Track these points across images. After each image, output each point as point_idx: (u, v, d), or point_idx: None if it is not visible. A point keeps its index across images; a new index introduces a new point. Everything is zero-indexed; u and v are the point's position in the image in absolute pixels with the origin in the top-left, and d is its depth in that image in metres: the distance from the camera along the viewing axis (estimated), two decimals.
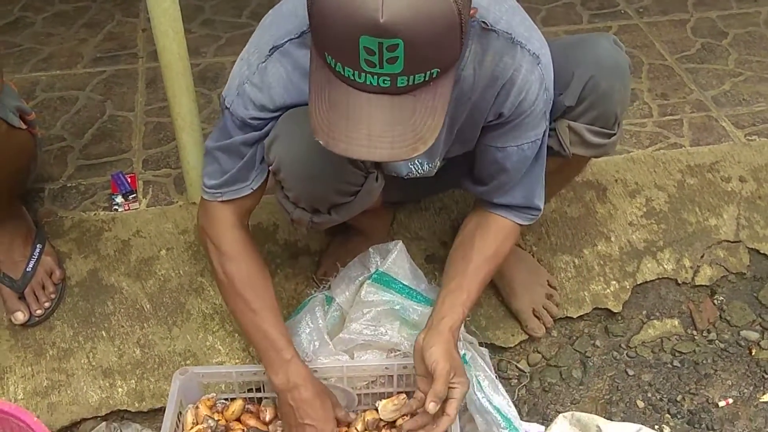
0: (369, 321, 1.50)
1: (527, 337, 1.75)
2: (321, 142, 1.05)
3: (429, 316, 1.38)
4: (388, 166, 1.38)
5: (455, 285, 1.39)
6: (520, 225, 1.46)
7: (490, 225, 1.44)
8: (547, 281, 1.78)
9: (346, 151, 1.04)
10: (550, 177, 1.47)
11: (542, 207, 1.45)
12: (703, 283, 1.83)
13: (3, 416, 1.29)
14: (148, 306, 1.73)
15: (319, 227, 1.42)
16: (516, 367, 1.73)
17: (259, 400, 1.52)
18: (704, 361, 1.72)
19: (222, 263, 1.38)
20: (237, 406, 1.47)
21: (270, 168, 1.30)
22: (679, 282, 1.83)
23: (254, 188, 1.33)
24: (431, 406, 1.27)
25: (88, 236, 1.81)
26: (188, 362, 1.65)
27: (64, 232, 1.82)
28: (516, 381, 1.71)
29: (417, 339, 1.34)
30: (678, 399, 1.66)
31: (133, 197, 1.88)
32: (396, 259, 1.54)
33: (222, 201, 1.35)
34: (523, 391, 1.69)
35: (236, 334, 1.70)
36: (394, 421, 1.49)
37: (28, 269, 1.66)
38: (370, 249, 1.58)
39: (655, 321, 1.79)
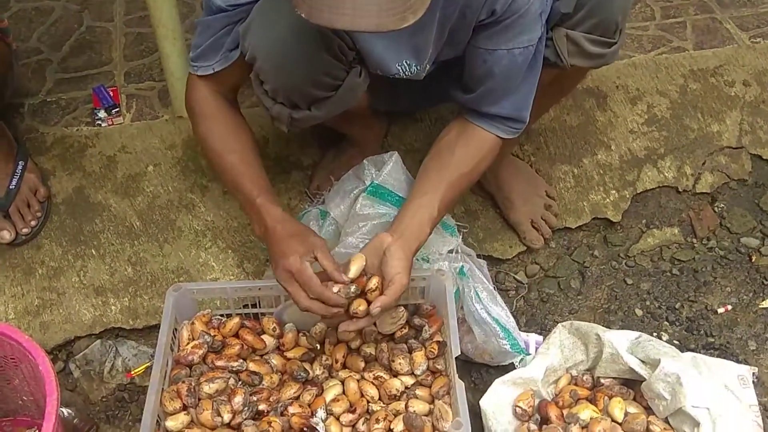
0: (365, 234, 1.46)
1: (525, 248, 1.73)
2: (303, 15, 0.98)
3: (395, 219, 1.32)
4: (372, 60, 1.30)
5: (427, 201, 1.32)
6: (502, 139, 1.40)
7: (471, 138, 1.37)
8: (546, 192, 1.74)
9: (330, 21, 0.97)
10: (547, 89, 1.40)
11: (528, 120, 1.39)
12: (704, 191, 1.80)
13: None
14: (137, 223, 1.69)
15: (300, 125, 1.36)
16: (514, 278, 1.72)
17: (256, 316, 1.50)
18: (703, 269, 1.71)
19: (197, 125, 1.37)
20: (233, 322, 1.45)
21: (246, 57, 1.25)
22: (680, 190, 1.80)
23: (216, 69, 1.31)
24: (376, 311, 1.25)
25: (72, 152, 1.76)
26: (181, 279, 1.63)
27: (47, 149, 1.76)
28: (514, 292, 1.70)
29: (381, 238, 1.28)
30: (676, 307, 1.65)
31: (117, 111, 1.81)
32: (391, 170, 1.49)
33: (199, 75, 1.34)
34: (521, 303, 1.68)
35: (230, 251, 1.67)
36: (393, 334, 1.48)
37: (11, 187, 1.61)
38: (365, 161, 1.53)
39: (654, 230, 1.77)
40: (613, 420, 1.36)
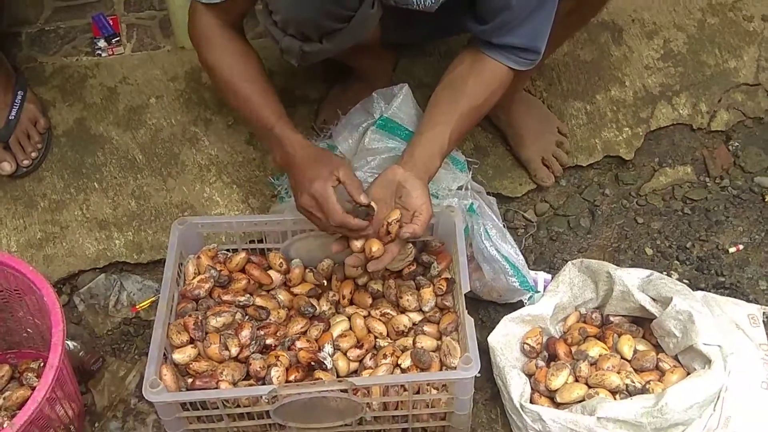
0: (373, 169, 1.43)
1: (535, 186, 1.70)
2: None
3: (405, 151, 1.29)
4: None
5: (438, 132, 1.29)
6: (515, 71, 1.35)
7: (484, 70, 1.32)
8: (558, 128, 1.70)
9: None
10: (564, 19, 1.34)
11: (543, 51, 1.34)
12: (719, 129, 1.76)
13: None
14: (140, 157, 1.65)
15: (311, 58, 1.31)
16: (523, 216, 1.69)
17: (262, 251, 1.48)
18: (716, 208, 1.68)
19: (204, 55, 1.33)
20: (240, 257, 1.43)
21: None
22: (694, 128, 1.75)
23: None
24: (407, 236, 1.24)
25: (72, 83, 1.71)
26: (186, 214, 1.60)
27: (46, 79, 1.71)
28: (523, 231, 1.67)
29: (392, 170, 1.26)
30: (687, 246, 1.63)
31: (117, 41, 1.76)
32: (401, 103, 1.45)
33: (203, 3, 1.29)
34: (530, 241, 1.66)
35: (235, 186, 1.64)
36: (400, 271, 1.46)
37: (10, 117, 1.57)
38: (374, 94, 1.49)
39: (667, 168, 1.74)
40: (622, 357, 1.35)
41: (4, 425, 1.25)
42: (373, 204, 1.24)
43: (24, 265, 1.20)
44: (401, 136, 1.44)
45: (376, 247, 1.26)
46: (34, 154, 1.60)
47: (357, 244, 1.26)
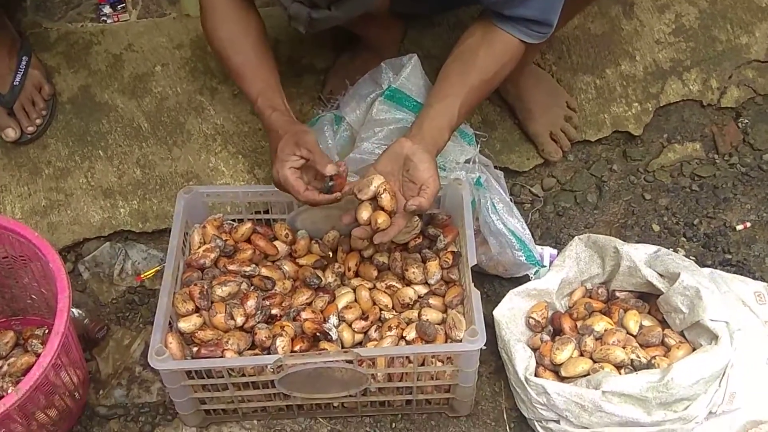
0: (381, 140, 1.42)
1: (542, 161, 1.68)
2: None
3: (414, 124, 1.29)
4: None
5: (447, 105, 1.28)
6: (527, 44, 1.33)
7: (495, 42, 1.31)
8: (566, 103, 1.69)
9: None
10: None
11: (555, 24, 1.32)
12: (729, 105, 1.74)
13: (0, 231, 1.24)
14: (145, 125, 1.64)
15: (319, 26, 1.29)
16: (530, 191, 1.68)
17: (268, 222, 1.47)
18: (724, 185, 1.67)
19: (205, 20, 1.33)
20: (246, 227, 1.43)
21: None
22: (704, 104, 1.74)
23: None
24: (412, 209, 1.24)
25: (77, 49, 1.69)
26: (191, 183, 1.59)
27: (51, 45, 1.69)
28: (529, 205, 1.66)
29: (400, 144, 1.25)
30: (695, 223, 1.62)
31: (122, 8, 1.73)
32: (410, 74, 1.43)
33: None
34: (536, 216, 1.65)
35: (240, 156, 1.63)
36: (406, 243, 1.46)
37: (15, 83, 1.56)
38: (382, 64, 1.47)
39: (675, 145, 1.73)
40: (627, 332, 1.35)
41: (9, 391, 1.25)
42: (329, 172, 1.25)
43: (29, 231, 1.19)
44: (409, 107, 1.43)
45: (381, 218, 1.25)
46: (38, 121, 1.58)
47: (363, 215, 1.26)
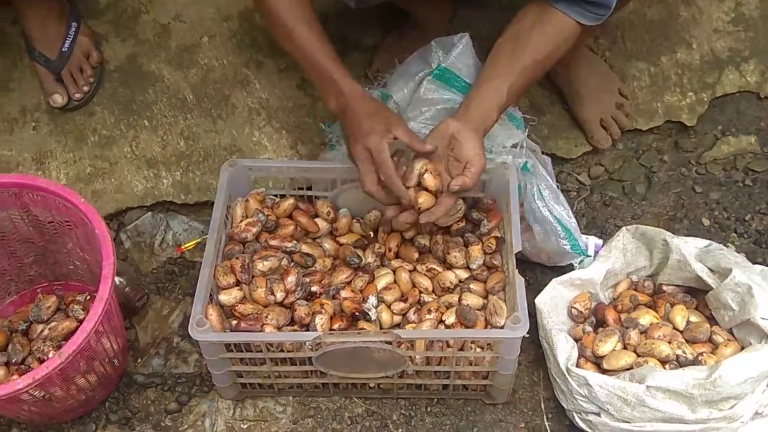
0: (428, 120, 1.39)
1: (591, 148, 1.64)
2: None
3: (462, 103, 1.26)
4: None
5: (497, 84, 1.25)
6: (583, 26, 1.29)
7: (549, 22, 1.27)
8: (619, 89, 1.64)
9: None
10: None
11: (614, 5, 1.28)
12: None
13: (46, 195, 1.24)
14: (191, 96, 1.64)
15: (369, 1, 1.27)
16: (576, 179, 1.65)
17: (309, 199, 1.46)
18: None
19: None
20: (288, 203, 1.41)
21: None
22: (762, 96, 1.68)
23: None
24: (456, 188, 1.21)
25: (125, 18, 1.69)
26: (234, 157, 1.58)
27: (100, 13, 1.69)
28: (575, 194, 1.63)
29: (446, 123, 1.23)
30: (746, 218, 1.57)
31: None
32: (460, 54, 1.40)
33: None
34: (582, 204, 1.62)
35: (284, 131, 1.62)
36: (449, 227, 1.44)
37: (64, 49, 1.56)
38: (432, 42, 1.44)
39: (730, 137, 1.67)
40: (674, 327, 1.32)
41: (50, 354, 1.27)
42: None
43: (76, 197, 1.19)
44: (458, 88, 1.40)
45: (422, 198, 1.23)
46: (85, 88, 1.58)
47: (410, 195, 1.24)
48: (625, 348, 1.31)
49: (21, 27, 1.60)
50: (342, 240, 1.43)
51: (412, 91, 1.44)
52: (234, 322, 1.28)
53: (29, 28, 1.57)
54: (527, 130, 1.46)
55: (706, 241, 1.37)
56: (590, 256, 1.48)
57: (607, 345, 1.30)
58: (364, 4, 1.26)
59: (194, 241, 1.55)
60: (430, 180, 1.23)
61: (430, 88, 1.39)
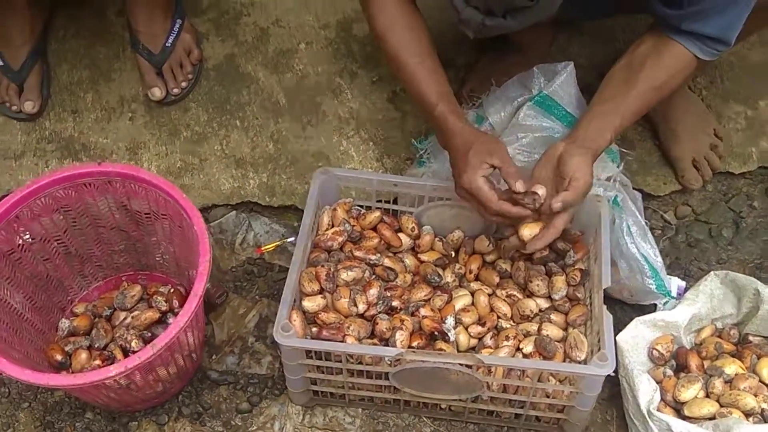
0: (524, 146, 1.38)
1: (680, 187, 1.61)
2: None
3: (572, 129, 1.25)
4: None
5: (611, 107, 1.24)
6: (698, 60, 1.27)
7: (665, 52, 1.25)
8: (714, 130, 1.61)
9: None
10: (758, 13, 1.25)
11: (732, 43, 1.25)
12: None
13: (148, 187, 1.26)
14: (283, 101, 1.66)
15: (488, 32, 1.26)
16: (662, 217, 1.62)
17: (394, 213, 1.46)
18: None
19: (374, 23, 1.29)
20: (374, 215, 1.42)
21: None
22: None
23: None
24: (558, 206, 1.18)
25: (227, 19, 1.72)
26: (320, 164, 1.60)
27: (202, 12, 1.73)
28: (660, 232, 1.60)
29: (555, 146, 1.22)
30: None
31: None
32: (563, 82, 1.39)
33: None
34: (666, 243, 1.58)
35: (371, 143, 1.63)
36: (531, 254, 1.42)
37: (167, 44, 1.60)
38: (534, 68, 1.43)
39: None
40: (760, 379, 1.28)
41: (132, 343, 1.29)
42: (537, 190, 1.19)
43: (177, 192, 1.21)
44: (558, 116, 1.39)
45: (527, 230, 1.22)
46: (184, 84, 1.62)
47: (525, 233, 1.24)
48: (707, 396, 1.28)
49: (127, 19, 1.64)
50: (423, 257, 1.43)
51: (510, 116, 1.43)
52: (314, 329, 1.29)
53: (135, 21, 1.61)
54: (622, 163, 1.44)
55: None
56: (675, 297, 1.45)
57: (690, 391, 1.27)
58: (482, 35, 1.26)
59: (274, 244, 1.56)
60: None
61: (529, 114, 1.38)
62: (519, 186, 1.19)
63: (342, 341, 1.25)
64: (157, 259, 1.44)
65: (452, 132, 1.24)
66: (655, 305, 1.46)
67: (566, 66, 1.40)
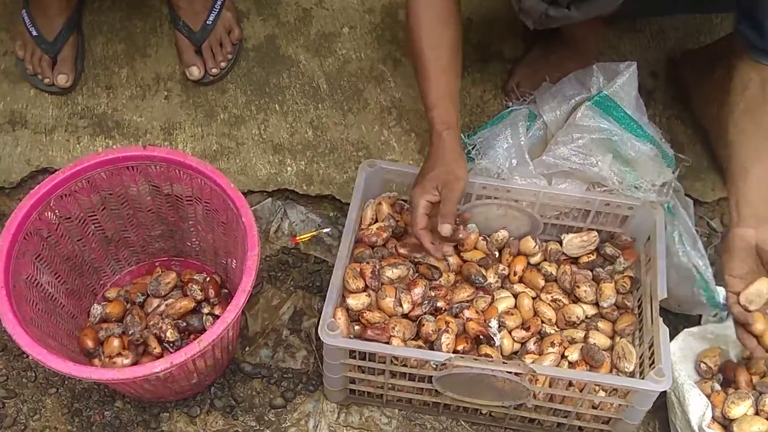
0: (579, 147, 1.33)
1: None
2: None
3: (736, 202, 1.13)
4: None
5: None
6: None
7: None
8: None
9: None
10: None
11: None
12: None
13: (191, 173, 1.21)
14: (324, 86, 1.60)
15: (549, 24, 1.21)
16: (708, 224, 1.57)
17: None
18: None
19: (408, 4, 1.25)
20: None
21: None
22: None
23: None
24: None
25: None
26: (360, 154, 1.55)
27: None
28: (706, 239, 1.55)
29: (742, 236, 1.11)
30: None
31: None
32: (625, 83, 1.33)
33: None
34: (711, 251, 1.54)
35: (413, 134, 1.58)
36: (577, 258, 1.38)
37: (207, 22, 1.54)
38: (594, 67, 1.38)
39: None
40: None
41: (167, 333, 1.25)
42: (461, 236, 1.29)
43: (226, 182, 1.16)
44: (617, 118, 1.34)
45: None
46: (223, 64, 1.56)
47: (759, 327, 1.13)
48: (757, 413, 1.25)
49: None
50: (466, 256, 1.38)
51: (566, 115, 1.38)
52: (357, 328, 1.25)
53: None
54: (678, 170, 1.40)
55: None
56: (725, 309, 1.41)
57: (740, 408, 1.24)
58: (543, 26, 1.21)
59: (310, 234, 1.51)
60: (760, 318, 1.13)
61: (587, 114, 1.33)
62: (444, 230, 1.20)
63: (387, 342, 1.21)
64: (188, 245, 1.39)
65: (434, 142, 1.24)
66: (701, 316, 1.42)
67: (629, 66, 1.34)
